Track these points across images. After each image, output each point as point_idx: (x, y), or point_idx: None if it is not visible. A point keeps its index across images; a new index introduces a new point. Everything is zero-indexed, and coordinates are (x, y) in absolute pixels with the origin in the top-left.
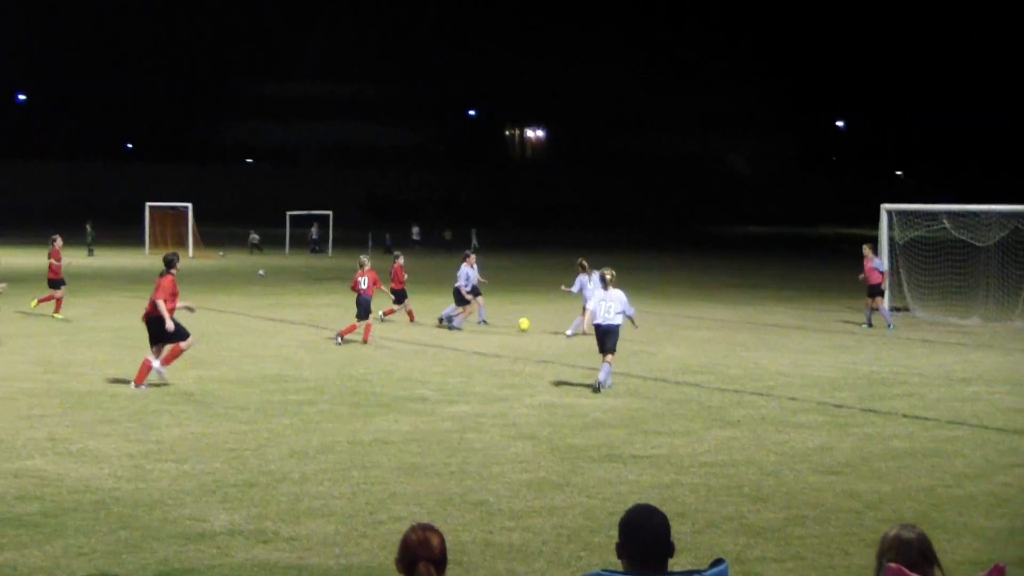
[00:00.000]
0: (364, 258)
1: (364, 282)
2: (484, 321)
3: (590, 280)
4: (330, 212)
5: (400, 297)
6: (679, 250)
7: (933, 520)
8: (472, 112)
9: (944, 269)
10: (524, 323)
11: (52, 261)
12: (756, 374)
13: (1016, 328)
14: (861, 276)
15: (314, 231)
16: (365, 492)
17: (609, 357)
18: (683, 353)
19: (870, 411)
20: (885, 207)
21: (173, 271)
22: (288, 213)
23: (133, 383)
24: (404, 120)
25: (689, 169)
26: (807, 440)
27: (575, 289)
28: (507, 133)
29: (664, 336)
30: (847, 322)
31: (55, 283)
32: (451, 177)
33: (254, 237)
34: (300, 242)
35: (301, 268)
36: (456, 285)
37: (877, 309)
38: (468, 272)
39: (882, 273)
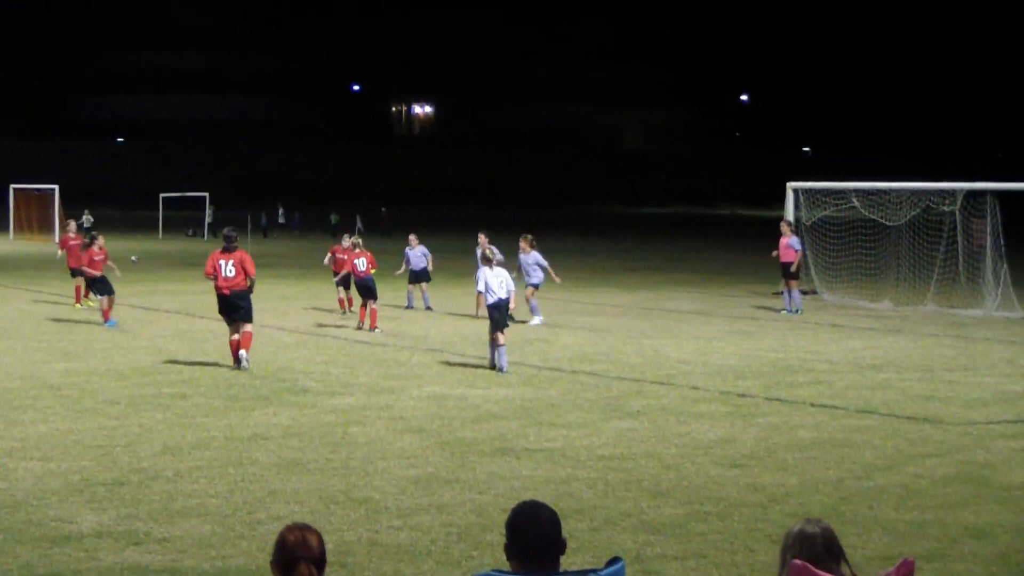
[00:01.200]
0: (358, 239)
1: (362, 263)
2: (429, 307)
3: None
4: (207, 193)
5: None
6: (574, 231)
7: (841, 514)
8: (356, 87)
9: (853, 250)
10: None
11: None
12: (656, 362)
13: (928, 312)
14: (775, 253)
15: (209, 214)
16: (242, 490)
17: (501, 338)
18: (580, 341)
19: (775, 400)
20: (791, 185)
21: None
22: (161, 195)
23: (244, 361)
24: (283, 95)
25: (583, 144)
26: (709, 431)
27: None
28: (393, 109)
29: (560, 323)
30: (760, 307)
31: (78, 272)
32: (334, 155)
33: (86, 219)
34: (175, 226)
35: (176, 253)
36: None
37: (790, 291)
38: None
39: (796, 251)
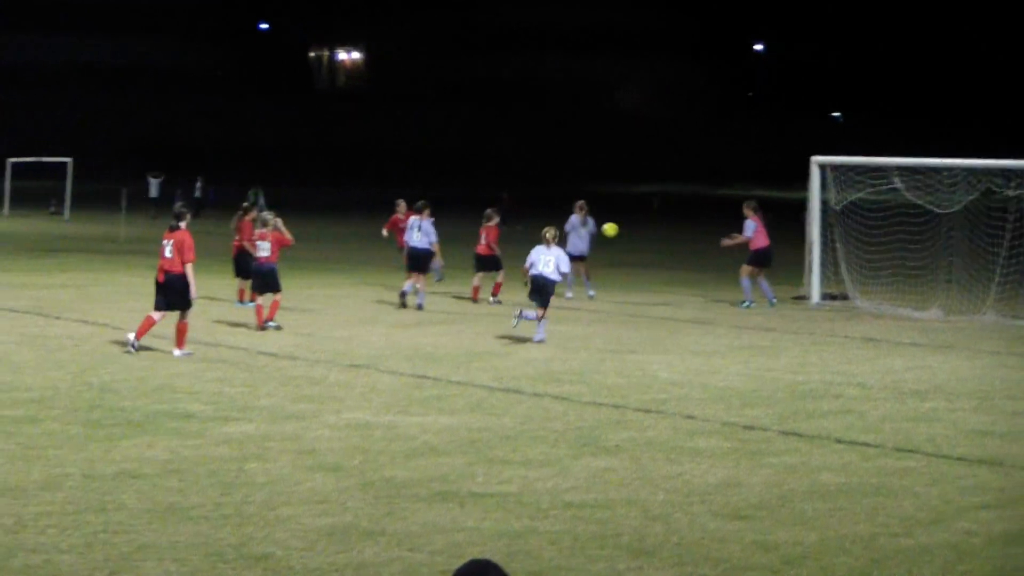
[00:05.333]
0: (268, 215)
1: (265, 247)
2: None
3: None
4: (69, 159)
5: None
6: (543, 214)
7: None
8: (264, 26)
9: (894, 243)
10: (611, 228)
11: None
12: (643, 384)
13: (987, 323)
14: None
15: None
16: (104, 543)
17: (538, 311)
18: (545, 355)
19: (792, 434)
20: (816, 160)
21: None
22: (9, 160)
23: (134, 338)
24: (170, 35)
25: (560, 106)
26: (708, 473)
27: None
28: (312, 55)
29: (518, 332)
30: (779, 314)
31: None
32: (238, 112)
33: None
34: (30, 200)
35: (29, 236)
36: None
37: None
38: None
39: (747, 237)
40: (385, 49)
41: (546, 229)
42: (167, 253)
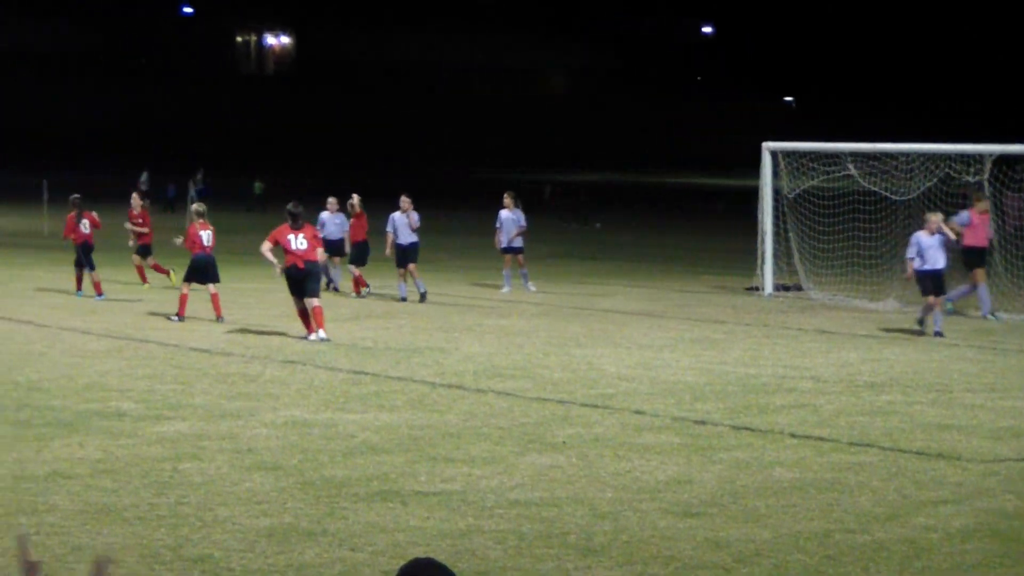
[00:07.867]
0: (202, 207)
1: (207, 238)
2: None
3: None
4: None
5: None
6: (482, 204)
7: None
8: (188, 9)
9: (849, 232)
10: None
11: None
12: (589, 378)
13: (945, 315)
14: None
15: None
16: (37, 545)
17: (933, 300)
18: (489, 350)
19: (744, 429)
20: (768, 146)
21: None
22: None
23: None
24: (88, 19)
25: (490, 90)
26: (657, 470)
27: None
28: (240, 40)
29: (461, 326)
30: (730, 307)
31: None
32: (161, 99)
33: None
34: None
35: None
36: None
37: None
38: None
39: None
40: (314, 34)
41: (931, 215)
42: (299, 245)
